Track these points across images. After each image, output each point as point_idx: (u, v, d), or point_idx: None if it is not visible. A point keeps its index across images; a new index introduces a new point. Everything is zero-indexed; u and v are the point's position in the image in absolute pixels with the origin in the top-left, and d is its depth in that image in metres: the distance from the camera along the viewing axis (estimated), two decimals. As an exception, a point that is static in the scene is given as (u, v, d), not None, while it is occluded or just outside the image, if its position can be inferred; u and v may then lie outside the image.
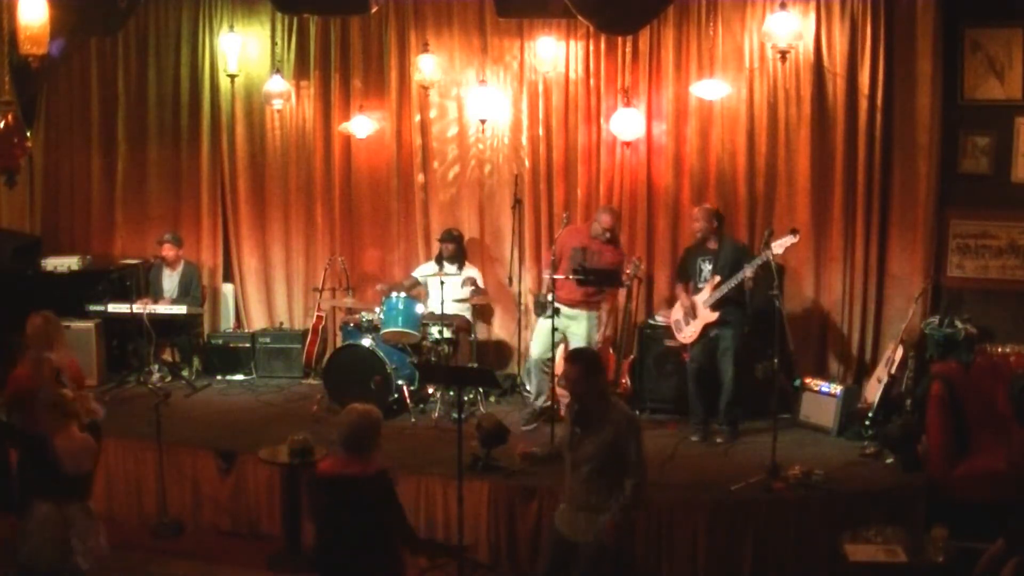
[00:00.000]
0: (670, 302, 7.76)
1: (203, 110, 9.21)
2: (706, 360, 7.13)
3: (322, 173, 9.14)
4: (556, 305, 7.01)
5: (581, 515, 4.82)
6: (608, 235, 7.40)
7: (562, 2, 7.22)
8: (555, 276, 7.11)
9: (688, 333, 7.17)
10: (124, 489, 6.98)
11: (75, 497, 4.96)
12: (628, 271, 7.61)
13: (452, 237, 8.27)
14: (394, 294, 7.92)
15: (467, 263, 8.40)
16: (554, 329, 7.01)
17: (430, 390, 7.93)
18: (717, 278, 6.99)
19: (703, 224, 7.14)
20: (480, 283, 8.19)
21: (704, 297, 7.06)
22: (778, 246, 6.64)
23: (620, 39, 8.24)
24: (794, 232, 6.72)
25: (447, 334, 7.87)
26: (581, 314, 7.39)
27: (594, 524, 4.76)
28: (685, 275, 7.32)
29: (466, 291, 7.94)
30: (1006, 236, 7.57)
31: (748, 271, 6.76)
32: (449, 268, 8.11)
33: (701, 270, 7.16)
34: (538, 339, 7.54)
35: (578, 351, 5.38)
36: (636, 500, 4.77)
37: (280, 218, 9.31)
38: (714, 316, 7.01)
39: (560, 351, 7.66)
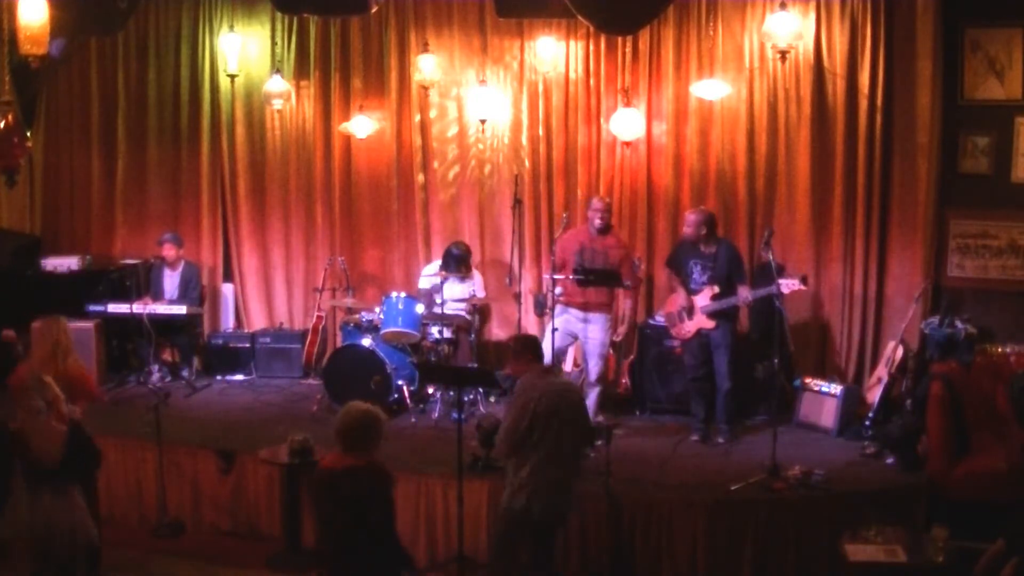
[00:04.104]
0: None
1: (203, 110, 9.20)
2: (704, 359, 7.12)
3: (322, 173, 9.14)
4: (569, 309, 7.12)
5: (553, 489, 5.23)
6: (601, 221, 7.23)
7: (562, 2, 7.21)
8: (555, 276, 7.10)
9: (684, 330, 7.15)
10: (124, 489, 6.98)
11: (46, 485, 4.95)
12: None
13: (463, 251, 8.16)
14: (394, 294, 7.92)
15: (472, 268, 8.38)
16: (554, 329, 7.00)
17: (430, 390, 7.92)
18: (715, 289, 6.98)
19: (692, 231, 7.08)
20: (480, 291, 8.19)
21: (703, 303, 7.03)
22: (785, 287, 6.68)
23: (620, 39, 8.24)
24: (804, 280, 6.82)
25: (447, 334, 7.87)
26: (599, 317, 7.24)
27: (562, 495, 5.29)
28: (677, 267, 7.27)
29: (470, 290, 7.99)
30: (1006, 236, 7.57)
31: (749, 296, 6.87)
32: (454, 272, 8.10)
33: (693, 273, 7.11)
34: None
35: (521, 341, 5.67)
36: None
37: (280, 218, 9.31)
38: (711, 324, 7.00)
39: (571, 353, 7.66)
